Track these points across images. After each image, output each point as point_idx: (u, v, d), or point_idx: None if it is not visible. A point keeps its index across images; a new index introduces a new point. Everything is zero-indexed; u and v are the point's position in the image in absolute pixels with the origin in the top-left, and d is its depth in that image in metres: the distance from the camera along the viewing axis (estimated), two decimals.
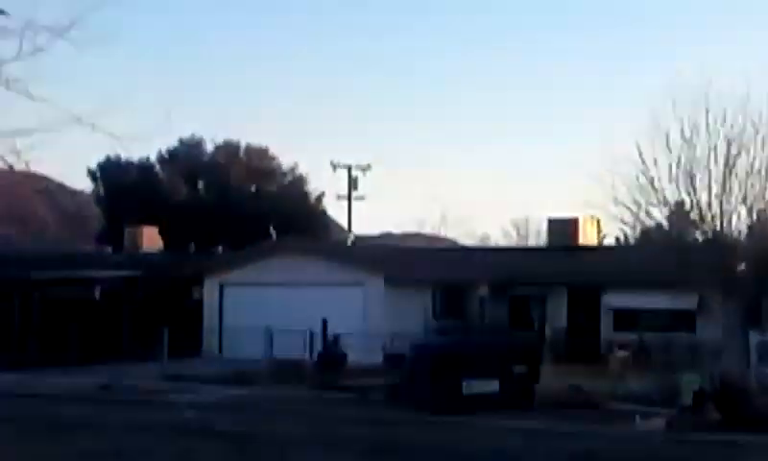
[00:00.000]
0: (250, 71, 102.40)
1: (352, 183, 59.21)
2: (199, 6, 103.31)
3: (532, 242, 68.53)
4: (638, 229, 54.23)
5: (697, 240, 33.94)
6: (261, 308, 34.55)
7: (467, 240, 71.01)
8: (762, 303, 33.08)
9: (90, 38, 10.74)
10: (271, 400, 25.14)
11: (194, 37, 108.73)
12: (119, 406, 24.29)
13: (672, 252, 33.72)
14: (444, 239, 75.76)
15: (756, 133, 32.96)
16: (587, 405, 23.45)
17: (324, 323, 32.05)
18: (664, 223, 48.44)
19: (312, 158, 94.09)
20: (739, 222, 34.06)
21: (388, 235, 76.79)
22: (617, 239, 49.02)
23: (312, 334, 31.74)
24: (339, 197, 60.04)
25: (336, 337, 31.26)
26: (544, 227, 75.02)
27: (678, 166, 33.74)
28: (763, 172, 33.20)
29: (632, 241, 58.76)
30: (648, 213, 37.48)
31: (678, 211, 45.59)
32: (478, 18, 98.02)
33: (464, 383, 23.00)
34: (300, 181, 69.24)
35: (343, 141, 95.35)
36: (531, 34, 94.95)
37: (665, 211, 35.49)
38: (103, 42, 10.70)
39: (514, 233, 75.10)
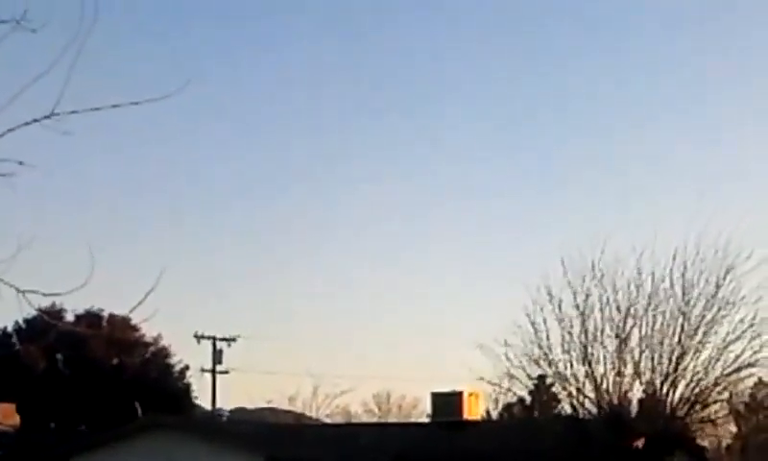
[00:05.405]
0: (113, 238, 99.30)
1: (217, 356, 57.81)
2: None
3: (392, 418, 66.97)
4: (500, 404, 53.95)
5: (593, 415, 33.13)
6: None
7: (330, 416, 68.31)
8: None
9: None
10: None
11: None
12: None
13: (567, 428, 32.86)
14: (309, 417, 71.56)
15: (649, 304, 32.78)
16: None
17: None
18: (527, 398, 47.95)
19: (175, 329, 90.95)
20: (632, 396, 33.60)
21: (241, 410, 73.70)
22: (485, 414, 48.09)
23: None
24: (203, 370, 58.44)
25: None
26: (407, 401, 74.84)
27: (571, 337, 33.20)
28: (655, 345, 32.94)
29: (494, 416, 58.05)
30: (510, 389, 36.78)
31: (540, 386, 45.05)
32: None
33: None
34: (162, 353, 66.59)
35: (207, 312, 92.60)
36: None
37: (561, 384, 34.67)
38: None
39: (375, 409, 73.55)
